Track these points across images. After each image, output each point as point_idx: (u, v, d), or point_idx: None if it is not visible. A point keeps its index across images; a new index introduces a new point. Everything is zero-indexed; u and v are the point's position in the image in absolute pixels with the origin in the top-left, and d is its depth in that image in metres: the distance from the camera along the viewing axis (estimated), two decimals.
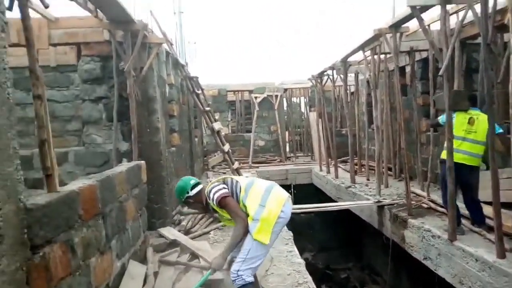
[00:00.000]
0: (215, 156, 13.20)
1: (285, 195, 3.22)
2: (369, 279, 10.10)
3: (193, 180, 3.26)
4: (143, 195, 4.30)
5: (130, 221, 3.75)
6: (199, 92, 7.27)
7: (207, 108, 7.11)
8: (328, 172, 10.80)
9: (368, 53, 7.48)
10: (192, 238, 5.09)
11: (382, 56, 7.56)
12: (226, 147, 7.15)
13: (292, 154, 14.77)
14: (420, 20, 4.67)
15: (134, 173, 3.99)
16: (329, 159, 10.96)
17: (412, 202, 6.45)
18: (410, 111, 9.07)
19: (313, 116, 13.81)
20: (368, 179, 9.22)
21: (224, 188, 3.10)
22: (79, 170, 5.51)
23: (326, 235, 11.48)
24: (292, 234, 5.28)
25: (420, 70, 8.17)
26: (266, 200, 3.08)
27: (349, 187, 8.61)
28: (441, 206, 5.78)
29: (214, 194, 3.04)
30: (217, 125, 7.13)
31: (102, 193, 2.99)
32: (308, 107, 15.04)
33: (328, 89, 12.67)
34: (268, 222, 3.01)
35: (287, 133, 15.06)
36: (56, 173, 2.44)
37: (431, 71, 6.40)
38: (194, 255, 4.42)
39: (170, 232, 5.11)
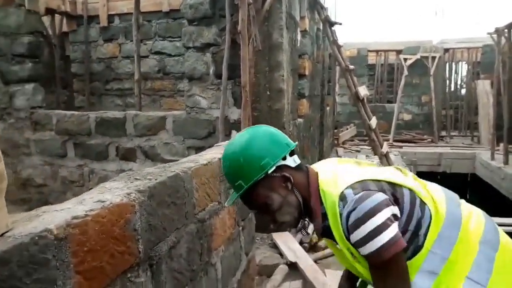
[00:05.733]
0: (346, 129, 11.16)
1: None
2: None
3: (287, 139, 1.37)
4: None
5: (222, 247, 2.16)
6: (342, 45, 5.31)
7: (351, 67, 5.13)
8: (506, 163, 7.88)
9: None
10: (320, 258, 3.37)
11: None
12: (373, 122, 5.15)
13: (445, 133, 11.79)
14: None
15: None
16: (507, 146, 8.00)
17: None
18: None
19: (482, 85, 10.56)
20: None
21: (395, 215, 1.17)
22: (177, 142, 4.19)
23: None
24: None
25: None
26: (490, 273, 1.19)
27: None
28: None
29: (376, 229, 1.11)
30: (362, 91, 5.15)
31: (151, 216, 1.41)
32: (474, 74, 11.68)
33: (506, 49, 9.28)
34: None
35: None
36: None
37: None
38: None
39: (288, 245, 3.47)
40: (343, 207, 1.18)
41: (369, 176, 1.25)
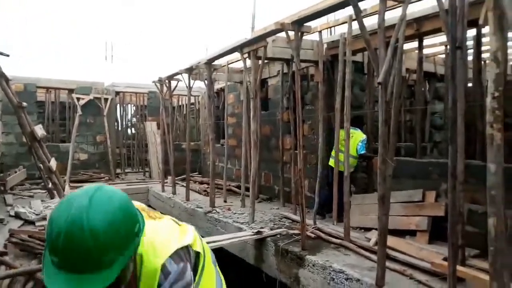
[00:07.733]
0: (15, 172, 9.80)
1: None
2: None
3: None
4: None
5: None
6: (11, 78, 4.72)
7: (24, 104, 4.63)
8: (174, 193, 9.16)
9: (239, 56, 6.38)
10: None
11: (246, 63, 6.56)
12: (53, 164, 4.83)
13: (120, 171, 12.42)
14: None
15: None
16: (174, 178, 9.38)
17: (295, 232, 5.60)
18: (270, 127, 8.46)
19: (150, 126, 11.91)
20: (225, 201, 8.06)
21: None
22: None
23: None
24: None
25: (287, 83, 7.56)
26: (221, 282, 1.71)
27: (209, 212, 7.23)
28: (334, 237, 5.19)
29: None
30: (39, 130, 4.75)
31: None
32: (142, 116, 13.02)
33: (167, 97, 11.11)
34: None
35: None
36: None
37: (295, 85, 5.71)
38: None
39: None
40: (164, 277, 1.25)
41: (180, 243, 1.35)
